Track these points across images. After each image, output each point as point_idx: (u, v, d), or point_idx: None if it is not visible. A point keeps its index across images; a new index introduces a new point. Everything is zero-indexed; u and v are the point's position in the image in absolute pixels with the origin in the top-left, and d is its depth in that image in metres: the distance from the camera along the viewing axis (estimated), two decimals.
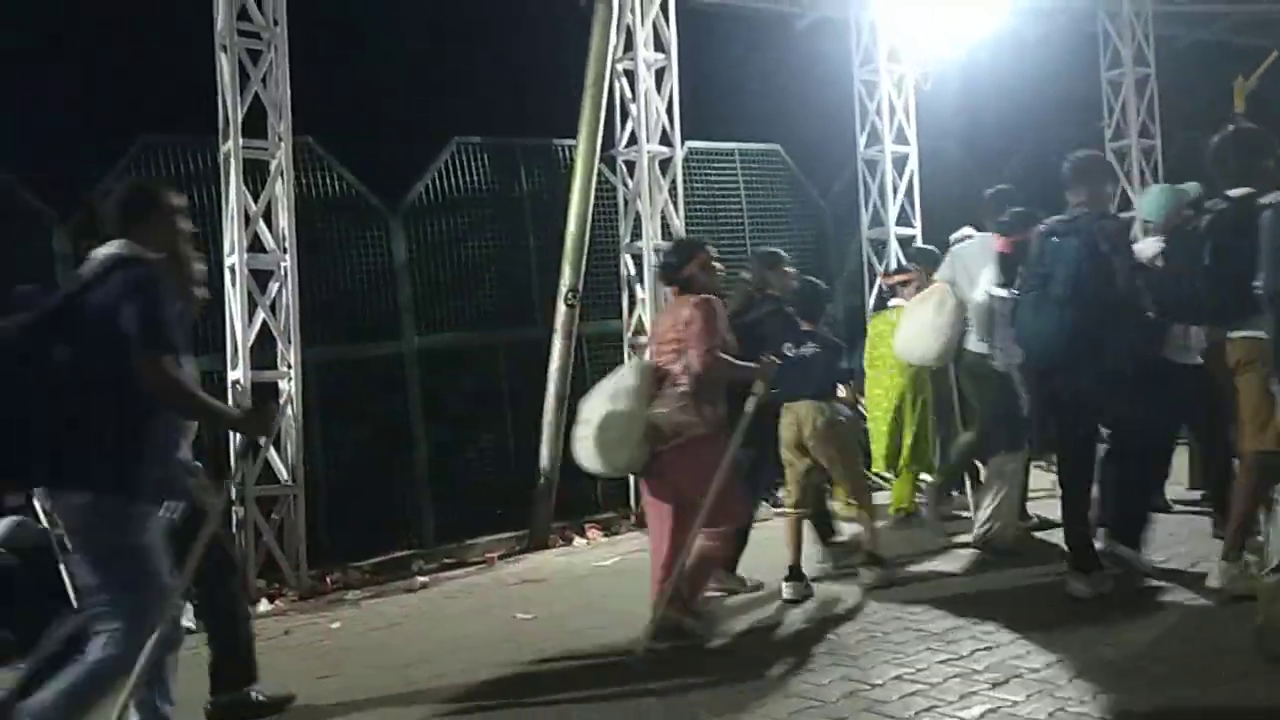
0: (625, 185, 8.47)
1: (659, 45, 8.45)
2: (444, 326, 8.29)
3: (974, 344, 6.21)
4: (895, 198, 9.75)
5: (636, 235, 8.38)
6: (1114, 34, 11.11)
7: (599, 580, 6.54)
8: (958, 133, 10.85)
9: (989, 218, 6.29)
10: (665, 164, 8.45)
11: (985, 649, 4.40)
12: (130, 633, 3.32)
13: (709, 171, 9.49)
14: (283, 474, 6.81)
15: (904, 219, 9.77)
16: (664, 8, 8.43)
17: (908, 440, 7.28)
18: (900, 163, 9.80)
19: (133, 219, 3.59)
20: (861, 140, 9.91)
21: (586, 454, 4.79)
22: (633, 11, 8.28)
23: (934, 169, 10.06)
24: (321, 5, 7.99)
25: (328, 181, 7.79)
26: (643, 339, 8.19)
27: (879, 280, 9.35)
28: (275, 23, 6.87)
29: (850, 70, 9.90)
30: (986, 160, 11.06)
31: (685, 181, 8.76)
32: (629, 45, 8.32)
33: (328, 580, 6.99)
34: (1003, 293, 5.71)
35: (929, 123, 10.02)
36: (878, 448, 7.48)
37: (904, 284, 7.67)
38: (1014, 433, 5.95)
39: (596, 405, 4.79)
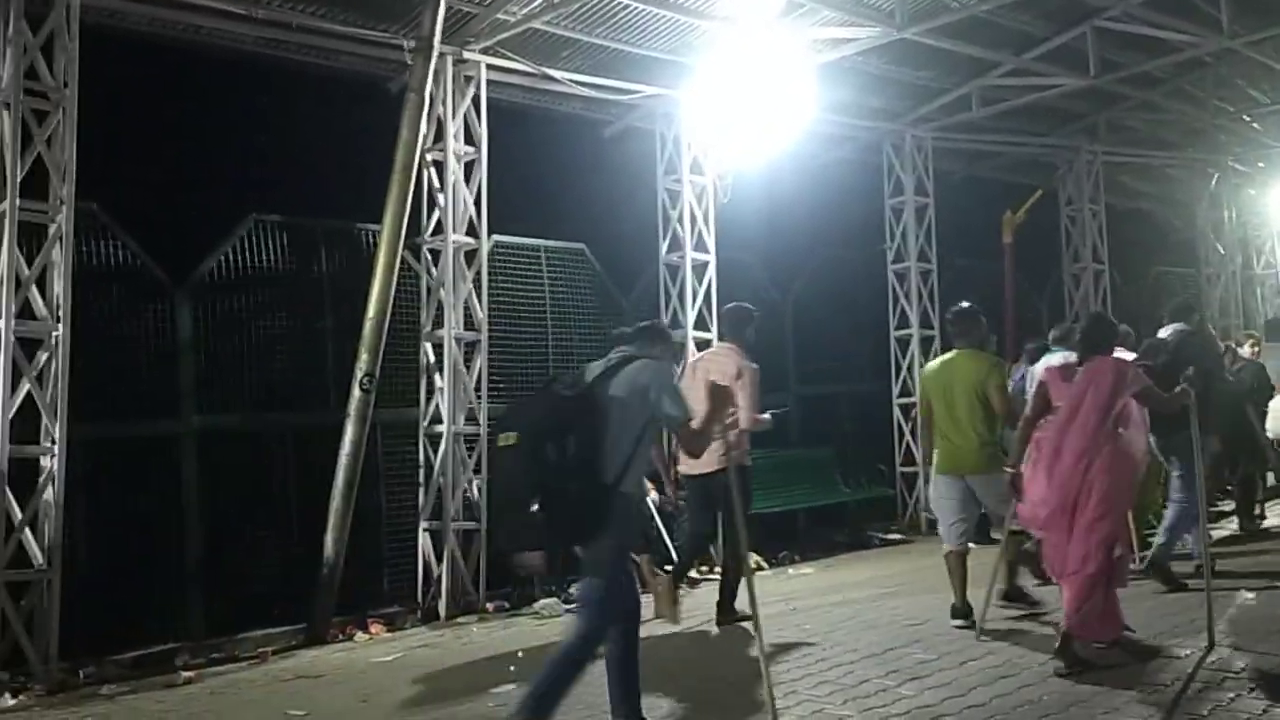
0: (429, 274, 8.44)
1: (469, 139, 8.54)
2: (228, 407, 7.97)
3: None
4: (694, 302, 10.08)
5: (438, 324, 8.32)
6: (897, 165, 11.95)
7: (377, 677, 6.30)
8: (755, 245, 11.34)
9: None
10: (471, 255, 8.49)
11: None
12: None
13: (514, 266, 9.55)
14: (38, 557, 6.34)
15: (701, 323, 10.09)
16: (476, 102, 8.56)
17: None
18: (700, 269, 10.17)
19: None
20: (664, 245, 10.23)
21: None
22: (444, 104, 8.36)
23: (731, 277, 10.44)
24: (118, 68, 7.73)
25: (112, 250, 7.46)
26: (439, 428, 8.12)
27: None
28: (65, 84, 6.60)
29: (655, 178, 10.27)
30: (779, 272, 11.62)
31: (490, 274, 8.82)
32: (439, 136, 8.37)
33: (80, 674, 6.49)
34: None
35: (729, 234, 10.45)
36: None
37: None
38: None
39: None
